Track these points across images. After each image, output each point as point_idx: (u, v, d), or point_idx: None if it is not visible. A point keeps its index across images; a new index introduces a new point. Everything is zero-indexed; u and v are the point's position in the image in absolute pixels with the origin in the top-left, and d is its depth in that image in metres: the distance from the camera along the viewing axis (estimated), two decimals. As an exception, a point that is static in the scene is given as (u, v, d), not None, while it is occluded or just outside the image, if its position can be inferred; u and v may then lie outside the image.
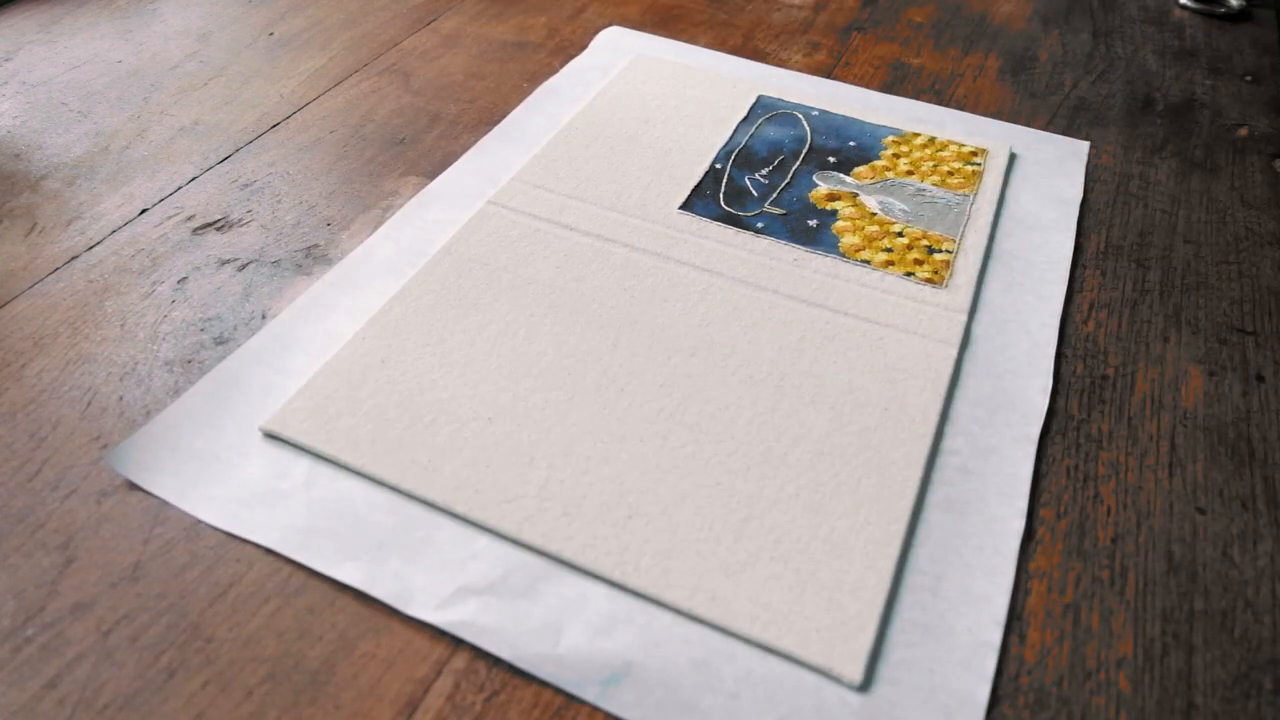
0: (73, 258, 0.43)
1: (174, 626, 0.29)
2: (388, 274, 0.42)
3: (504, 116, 0.53)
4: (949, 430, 0.35)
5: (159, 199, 0.47)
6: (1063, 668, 0.29)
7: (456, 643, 0.29)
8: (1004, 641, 0.29)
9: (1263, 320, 0.41)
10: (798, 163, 0.49)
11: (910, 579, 0.30)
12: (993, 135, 0.52)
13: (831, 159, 0.49)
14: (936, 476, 0.34)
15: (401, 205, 0.46)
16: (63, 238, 0.44)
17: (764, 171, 0.48)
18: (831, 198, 0.46)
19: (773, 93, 0.54)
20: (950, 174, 0.48)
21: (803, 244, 0.43)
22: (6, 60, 0.58)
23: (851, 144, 0.50)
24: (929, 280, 0.42)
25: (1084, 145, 0.51)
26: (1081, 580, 0.31)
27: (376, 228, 0.45)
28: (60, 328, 0.39)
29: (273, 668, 0.28)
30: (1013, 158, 0.50)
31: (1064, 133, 0.53)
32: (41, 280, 0.42)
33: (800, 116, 0.52)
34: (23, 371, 0.37)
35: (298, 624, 0.29)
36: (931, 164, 0.49)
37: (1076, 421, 0.36)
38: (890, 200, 0.46)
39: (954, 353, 0.38)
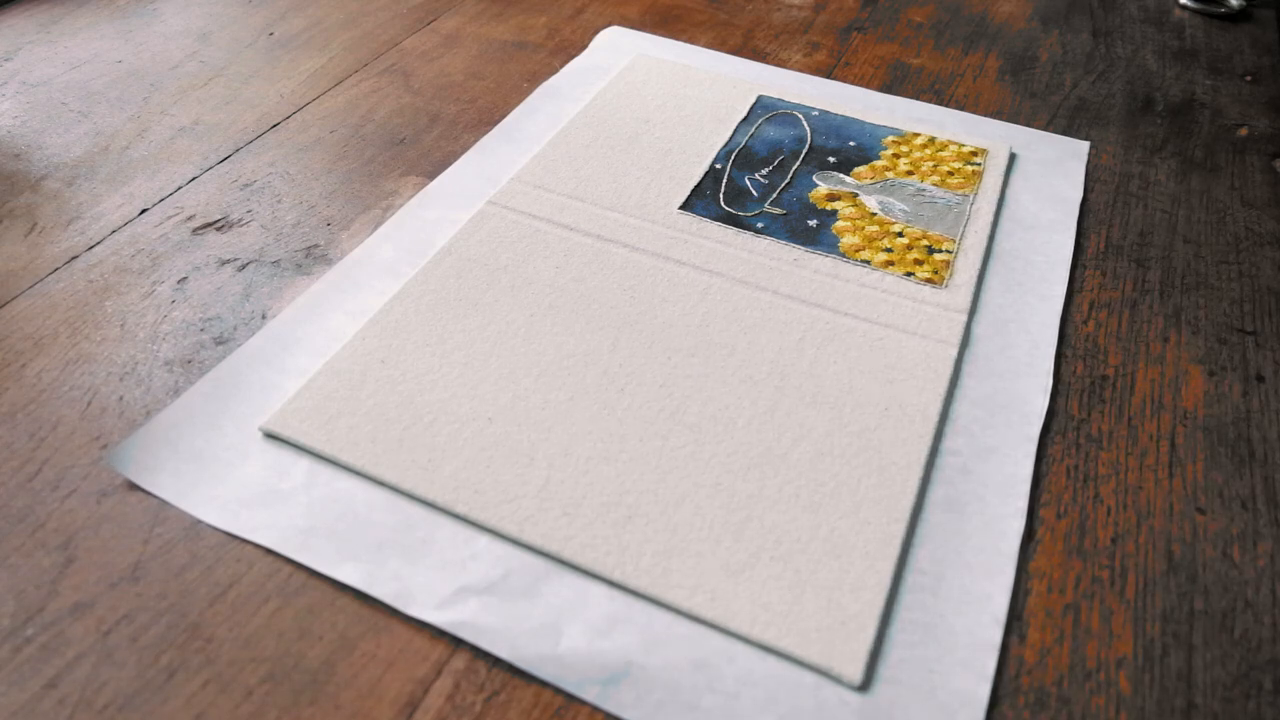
0: (73, 258, 0.43)
1: (174, 626, 0.29)
2: (388, 274, 0.42)
3: (504, 116, 0.53)
4: (949, 430, 0.35)
5: (159, 199, 0.47)
6: (1063, 668, 0.29)
7: (456, 643, 0.29)
8: (1004, 641, 0.29)
9: (1263, 320, 0.41)
10: (798, 163, 0.49)
11: (910, 579, 0.30)
12: (993, 135, 0.52)
13: (831, 159, 0.49)
14: (936, 476, 0.34)
15: (401, 205, 0.46)
16: (63, 238, 0.44)
17: (764, 171, 0.48)
18: (831, 198, 0.46)
19: (773, 93, 0.54)
20: (950, 174, 0.48)
21: (803, 244, 0.43)
22: (6, 60, 0.58)
23: (851, 144, 0.50)
24: (929, 280, 0.42)
25: (1084, 145, 0.51)
26: (1081, 580, 0.31)
27: (376, 228, 0.45)
28: (60, 328, 0.39)
29: (273, 668, 0.28)
30: (1013, 158, 0.50)
31: (1064, 133, 0.53)
32: (41, 280, 0.42)
33: (800, 116, 0.52)
34: (23, 371, 0.37)
35: (298, 624, 0.29)
36: (931, 164, 0.49)
37: (1076, 421, 0.36)
38: (890, 200, 0.46)
39: (954, 353, 0.38)
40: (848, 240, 0.44)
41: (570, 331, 0.39)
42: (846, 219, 0.45)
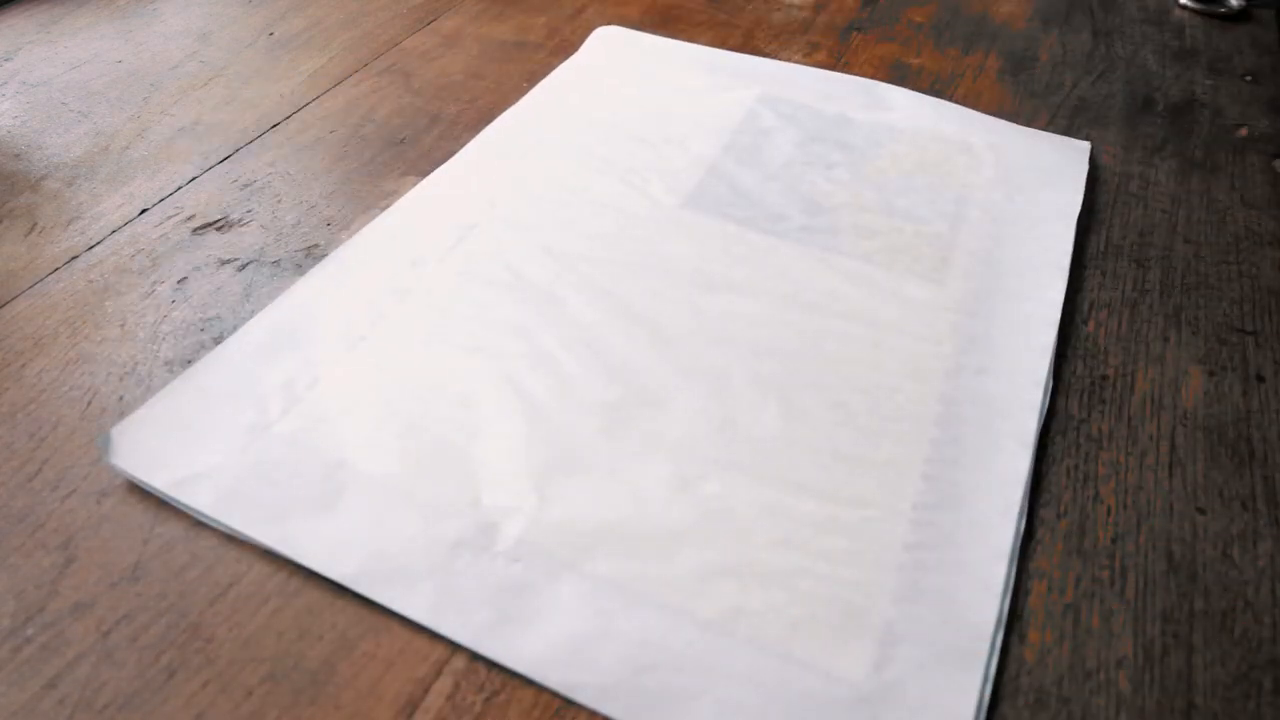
0: (73, 258, 0.43)
1: (174, 626, 0.29)
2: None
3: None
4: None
5: (159, 199, 0.47)
6: (1063, 668, 0.29)
7: (456, 643, 0.29)
8: (1004, 641, 0.29)
9: (1263, 320, 0.41)
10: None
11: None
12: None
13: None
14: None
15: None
16: (63, 238, 0.44)
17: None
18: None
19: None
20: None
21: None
22: (6, 60, 0.58)
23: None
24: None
25: (1085, 145, 0.50)
26: (1081, 580, 0.31)
27: (376, 228, 0.45)
28: (60, 328, 0.39)
29: (273, 668, 0.28)
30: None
31: (1064, 133, 0.53)
32: (41, 280, 0.42)
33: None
34: (23, 371, 0.37)
35: (298, 624, 0.29)
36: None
37: (1076, 421, 0.36)
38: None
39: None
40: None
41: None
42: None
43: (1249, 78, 0.58)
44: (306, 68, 0.58)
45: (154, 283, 0.42)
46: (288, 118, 0.53)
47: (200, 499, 0.32)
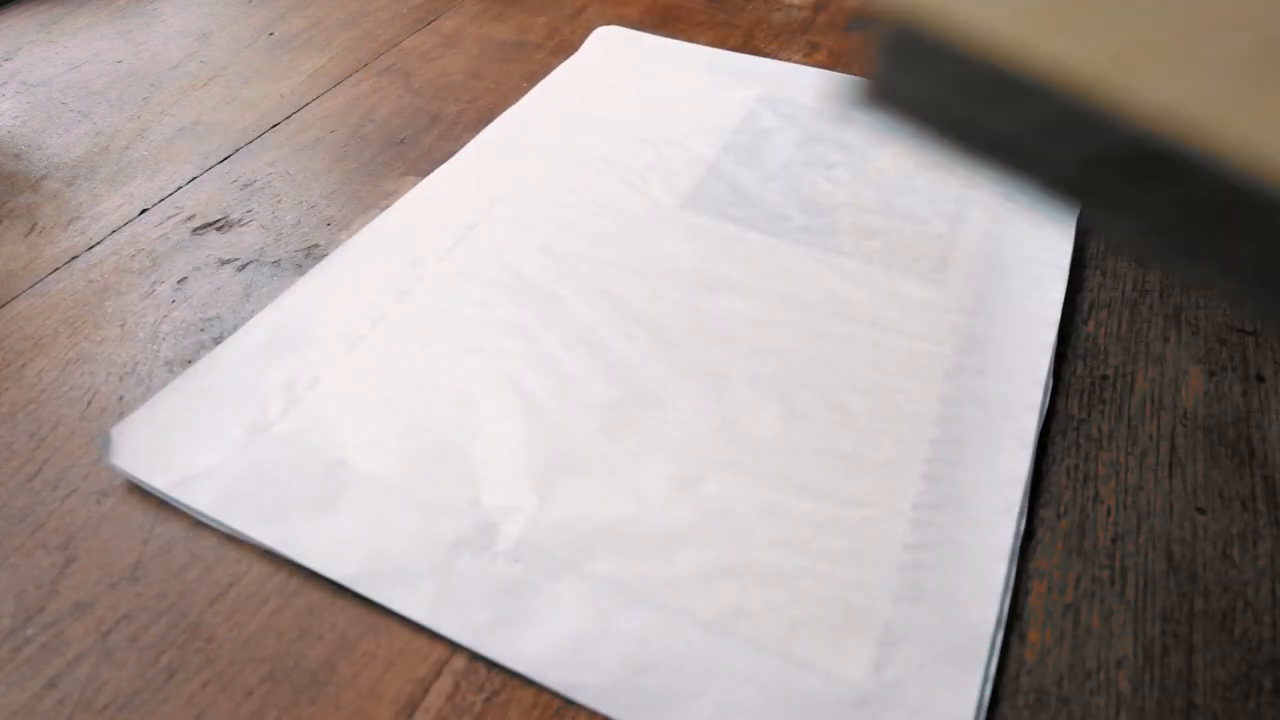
0: (73, 258, 0.43)
1: (174, 626, 0.29)
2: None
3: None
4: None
5: (159, 199, 0.47)
6: (1063, 668, 0.29)
7: (456, 643, 0.29)
8: (1004, 641, 0.29)
9: (1263, 320, 0.41)
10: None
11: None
12: None
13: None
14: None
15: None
16: (63, 238, 0.44)
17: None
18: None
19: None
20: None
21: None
22: (6, 60, 0.58)
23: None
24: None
25: None
26: (1081, 580, 0.31)
27: (376, 228, 0.45)
28: (60, 328, 0.39)
29: (273, 668, 0.28)
30: None
31: (1064, 133, 0.52)
32: (41, 280, 0.42)
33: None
34: (23, 371, 0.37)
35: (298, 624, 0.29)
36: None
37: (1076, 421, 0.36)
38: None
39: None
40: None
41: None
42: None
43: (1249, 78, 0.58)
44: (306, 68, 0.58)
45: (154, 283, 0.42)
46: (288, 118, 0.53)
47: (200, 499, 0.32)
